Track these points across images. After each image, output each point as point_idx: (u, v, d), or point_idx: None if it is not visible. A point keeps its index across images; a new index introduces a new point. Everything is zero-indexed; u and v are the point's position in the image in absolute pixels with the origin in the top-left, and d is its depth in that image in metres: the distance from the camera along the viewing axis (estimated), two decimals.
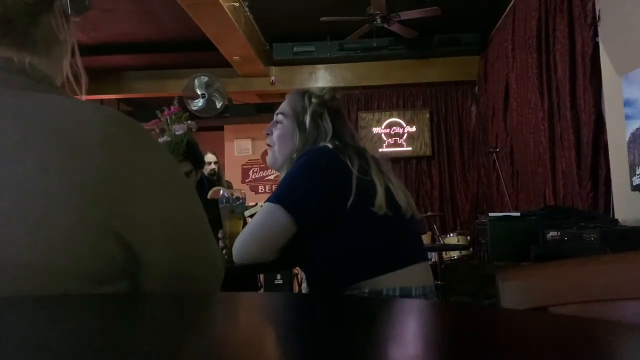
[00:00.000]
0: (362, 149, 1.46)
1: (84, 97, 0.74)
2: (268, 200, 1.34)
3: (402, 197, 1.41)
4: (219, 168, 4.38)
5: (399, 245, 1.39)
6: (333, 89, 1.56)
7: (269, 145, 1.56)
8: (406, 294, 1.32)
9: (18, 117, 0.58)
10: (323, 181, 1.34)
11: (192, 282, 0.69)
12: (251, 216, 3.74)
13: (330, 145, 1.40)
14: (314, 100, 1.50)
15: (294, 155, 1.45)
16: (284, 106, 1.54)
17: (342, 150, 1.37)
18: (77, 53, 0.75)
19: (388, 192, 1.36)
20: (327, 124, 1.47)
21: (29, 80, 0.64)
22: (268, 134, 1.56)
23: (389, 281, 1.31)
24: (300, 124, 1.48)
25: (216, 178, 4.26)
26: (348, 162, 1.34)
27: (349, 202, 1.29)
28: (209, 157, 4.33)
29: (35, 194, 0.55)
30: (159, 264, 0.64)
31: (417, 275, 1.37)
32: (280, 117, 1.53)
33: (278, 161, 1.53)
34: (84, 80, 0.75)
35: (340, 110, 1.55)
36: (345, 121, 1.54)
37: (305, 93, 1.53)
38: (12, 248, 0.54)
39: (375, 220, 1.33)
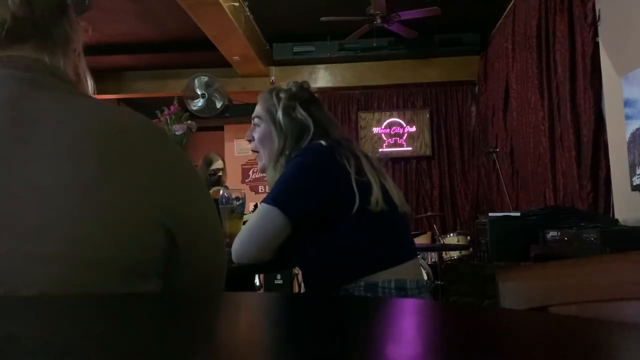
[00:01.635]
0: (352, 146, 1.45)
1: None
2: (264, 201, 1.34)
3: (396, 194, 1.41)
4: (222, 171, 4.39)
5: (395, 243, 1.40)
6: (301, 82, 1.55)
7: (254, 151, 1.56)
8: (401, 285, 1.33)
9: (70, 122, 0.60)
10: (319, 181, 1.35)
11: (214, 278, 0.74)
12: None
13: (324, 143, 1.39)
14: (282, 95, 1.49)
15: (283, 157, 1.44)
16: (257, 109, 1.53)
17: (337, 149, 1.37)
18: (82, 56, 0.76)
19: (383, 189, 1.37)
20: (303, 115, 1.46)
21: (62, 82, 0.66)
22: (250, 141, 1.55)
23: (384, 275, 1.33)
24: (275, 122, 1.47)
25: (215, 179, 4.26)
26: (345, 163, 1.34)
27: (354, 208, 1.30)
28: (218, 162, 4.35)
29: (99, 194, 0.58)
30: (197, 261, 0.68)
31: (410, 271, 1.38)
32: (256, 120, 1.53)
33: (266, 165, 1.52)
34: (90, 82, 0.78)
35: (314, 99, 1.53)
36: (322, 110, 1.52)
37: (273, 91, 1.52)
38: (76, 246, 0.56)
39: (372, 218, 1.33)
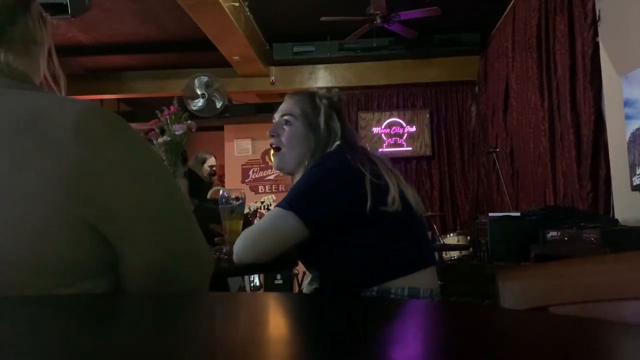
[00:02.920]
0: (367, 152, 1.46)
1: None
2: (279, 205, 1.33)
3: (412, 197, 1.41)
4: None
5: (412, 250, 1.40)
6: (337, 90, 1.57)
7: (274, 146, 1.52)
8: (414, 294, 1.32)
9: None
10: (337, 189, 1.34)
11: (176, 277, 0.67)
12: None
13: (341, 151, 1.40)
14: (325, 102, 1.49)
15: (307, 161, 1.44)
16: (291, 108, 1.49)
17: (353, 156, 1.37)
18: (54, 54, 0.75)
19: (400, 192, 1.37)
20: (337, 125, 1.47)
21: (3, 77, 0.65)
22: (273, 136, 1.51)
23: (398, 282, 1.32)
24: (312, 126, 1.46)
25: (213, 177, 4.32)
26: (361, 167, 1.33)
27: (367, 208, 1.29)
28: (211, 159, 4.39)
29: (10, 191, 0.55)
30: (138, 257, 0.63)
31: (426, 278, 1.37)
32: (289, 118, 1.48)
33: (289, 164, 1.49)
34: (62, 80, 0.76)
35: (343, 110, 1.55)
36: (346, 120, 1.55)
37: (315, 95, 1.51)
38: None
39: (389, 223, 1.33)
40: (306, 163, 1.45)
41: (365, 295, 1.31)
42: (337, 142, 1.45)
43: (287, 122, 1.49)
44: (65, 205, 0.56)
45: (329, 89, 1.56)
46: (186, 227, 0.68)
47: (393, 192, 1.34)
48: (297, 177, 1.47)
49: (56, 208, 0.56)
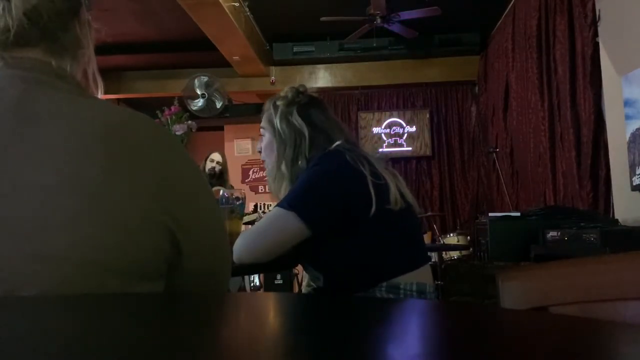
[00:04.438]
0: (360, 150, 1.45)
1: None
2: (279, 205, 1.32)
3: (409, 195, 1.42)
4: (222, 170, 4.35)
5: (415, 245, 1.42)
6: (298, 85, 1.54)
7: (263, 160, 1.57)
8: (422, 289, 1.34)
9: (75, 122, 0.61)
10: (336, 189, 1.34)
11: (219, 279, 0.74)
12: (250, 223, 3.68)
13: (340, 150, 1.39)
14: (278, 103, 1.49)
15: (300, 161, 1.44)
16: (262, 122, 1.54)
17: (352, 156, 1.36)
18: (94, 58, 0.76)
19: (399, 190, 1.38)
20: (298, 121, 1.45)
21: (68, 84, 0.66)
22: (260, 152, 1.57)
23: (406, 278, 1.33)
24: (275, 131, 1.48)
25: (217, 176, 4.26)
26: (361, 168, 1.33)
27: (371, 211, 1.29)
28: (213, 155, 4.33)
29: (101, 195, 0.58)
30: (197, 263, 0.68)
31: (428, 274, 1.40)
32: (261, 131, 1.54)
33: (272, 171, 1.52)
34: (100, 84, 0.78)
35: (314, 102, 1.51)
36: (325, 113, 1.51)
37: (272, 100, 1.53)
38: (78, 247, 0.56)
39: (393, 218, 1.34)
40: (299, 163, 1.44)
41: (367, 295, 1.31)
42: (338, 142, 1.44)
43: (261, 134, 1.55)
44: (152, 213, 0.60)
45: (292, 86, 1.54)
46: (225, 235, 0.76)
47: (394, 192, 1.34)
48: (273, 181, 1.49)
49: (143, 214, 0.59)
